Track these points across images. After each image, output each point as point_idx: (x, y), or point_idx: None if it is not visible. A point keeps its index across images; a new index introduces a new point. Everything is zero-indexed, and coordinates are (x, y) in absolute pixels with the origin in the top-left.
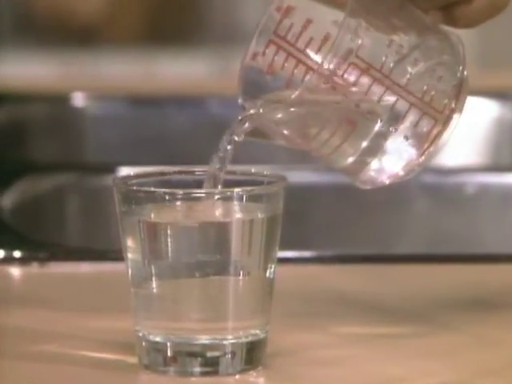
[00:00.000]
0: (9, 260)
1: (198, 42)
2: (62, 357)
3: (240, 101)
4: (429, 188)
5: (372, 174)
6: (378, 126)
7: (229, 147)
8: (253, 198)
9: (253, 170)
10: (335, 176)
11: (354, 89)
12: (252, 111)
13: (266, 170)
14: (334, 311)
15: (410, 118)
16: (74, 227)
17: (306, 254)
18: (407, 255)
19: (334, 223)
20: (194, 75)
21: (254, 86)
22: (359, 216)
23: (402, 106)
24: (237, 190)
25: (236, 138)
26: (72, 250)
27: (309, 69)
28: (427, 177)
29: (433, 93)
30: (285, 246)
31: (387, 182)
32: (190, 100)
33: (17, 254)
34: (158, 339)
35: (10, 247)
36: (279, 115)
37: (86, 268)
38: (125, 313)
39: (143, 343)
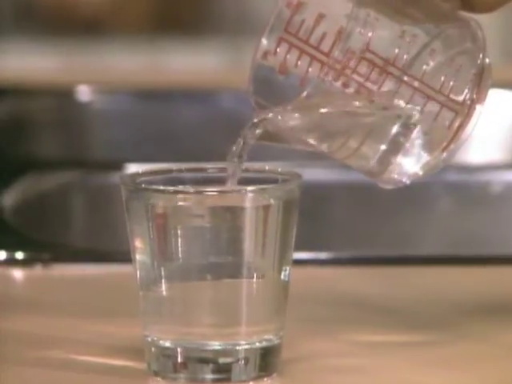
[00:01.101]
0: (10, 262)
1: (209, 31)
2: (68, 363)
3: (252, 102)
4: (452, 186)
5: (393, 173)
6: (395, 123)
7: (242, 152)
8: (267, 196)
9: (267, 168)
10: (352, 173)
11: (367, 84)
12: (264, 116)
13: (279, 167)
14: (350, 316)
15: (429, 112)
16: (79, 227)
17: (322, 255)
18: (429, 257)
19: (351, 223)
20: (205, 67)
21: (266, 86)
22: (378, 215)
23: (419, 99)
24: (250, 188)
25: (247, 146)
26: (77, 251)
27: (324, 65)
28: (450, 175)
29: (451, 83)
30: (300, 248)
31: (409, 180)
32: (200, 93)
33: (19, 255)
34: (167, 344)
35: (11, 248)
36: (293, 122)
37: (91, 270)
38: (133, 317)
39: (152, 349)
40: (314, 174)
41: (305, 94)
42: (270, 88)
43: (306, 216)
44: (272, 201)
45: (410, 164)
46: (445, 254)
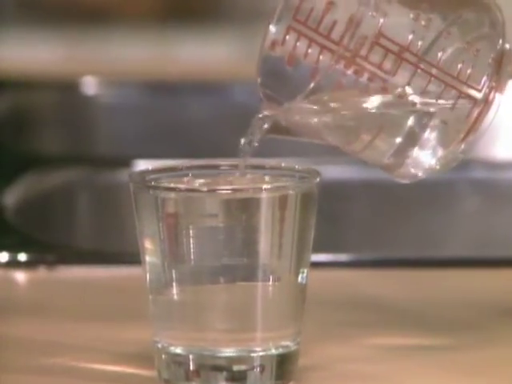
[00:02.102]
0: (13, 264)
1: (220, 20)
2: (73, 371)
3: (260, 94)
4: (478, 184)
5: (409, 167)
6: (411, 114)
7: (249, 148)
8: (284, 195)
9: (283, 164)
10: (373, 170)
11: (379, 73)
12: (273, 110)
13: (296, 163)
14: (371, 321)
15: (446, 100)
16: (84, 227)
17: (342, 257)
18: (454, 259)
19: (372, 223)
20: (217, 58)
21: (274, 77)
22: (400, 215)
23: (435, 87)
24: (266, 186)
25: (255, 142)
26: (83, 252)
27: (335, 55)
28: (477, 171)
29: (469, 70)
30: (318, 249)
31: (426, 175)
32: (212, 86)
33: (22, 257)
34: (179, 351)
35: (14, 250)
36: (304, 116)
37: (98, 272)
38: (142, 322)
39: (163, 356)
40: (333, 171)
41: (312, 85)
42: (279, 79)
43: (324, 216)
44: (289, 199)
45: (427, 157)
46: (471, 256)
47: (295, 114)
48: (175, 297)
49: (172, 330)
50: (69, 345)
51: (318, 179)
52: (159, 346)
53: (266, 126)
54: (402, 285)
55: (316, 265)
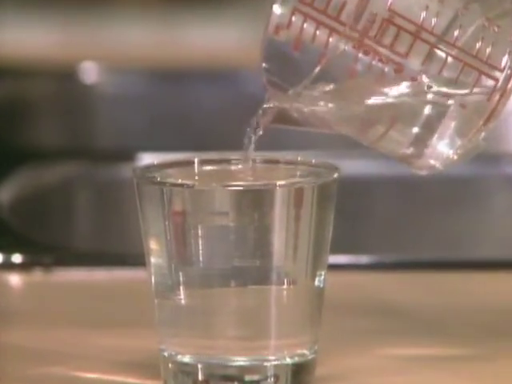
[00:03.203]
0: (7, 266)
1: (231, 1)
2: (73, 381)
3: (264, 81)
4: (510, 180)
5: (428, 157)
6: (427, 98)
7: (253, 138)
8: (299, 192)
9: (299, 159)
10: (396, 165)
11: (392, 54)
12: (279, 99)
13: (312, 157)
14: (393, 328)
15: (465, 82)
16: (84, 227)
17: (362, 259)
18: (484, 261)
19: (395, 222)
20: (227, 43)
21: (280, 63)
22: (426, 214)
23: (452, 67)
24: (280, 182)
25: (260, 131)
26: (82, 253)
27: (344, 37)
28: (509, 166)
29: (489, 48)
30: (336, 250)
31: (447, 165)
32: (221, 73)
33: (16, 258)
34: (186, 360)
35: (8, 250)
36: (312, 105)
37: (99, 275)
38: (147, 329)
39: (169, 365)
40: (353, 165)
41: (318, 69)
42: (285, 66)
43: (343, 214)
44: (305, 196)
45: (446, 146)
46: (503, 258)
47: (304, 103)
48: (182, 301)
49: (179, 337)
50: (67, 353)
51: (336, 174)
52: (165, 354)
53: (271, 115)
54: (427, 289)
55: (334, 267)
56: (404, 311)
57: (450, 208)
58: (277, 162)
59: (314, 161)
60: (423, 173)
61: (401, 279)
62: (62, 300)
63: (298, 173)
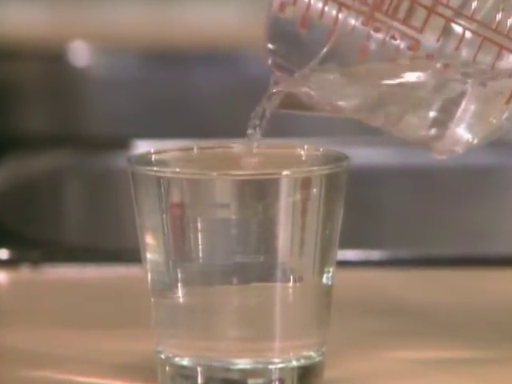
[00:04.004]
0: None
1: None
2: None
3: (269, 62)
4: None
5: (448, 139)
6: (445, 77)
7: (258, 127)
8: (306, 182)
9: (306, 147)
10: (412, 153)
11: (405, 28)
12: (285, 83)
13: (321, 144)
14: (406, 329)
15: (485, 57)
16: (75, 220)
17: (374, 255)
18: (505, 257)
19: (410, 215)
20: (228, 21)
21: (286, 44)
22: (444, 206)
23: (471, 43)
24: (286, 171)
25: (267, 119)
26: (73, 249)
27: (355, 12)
28: None
29: (510, 20)
30: (346, 245)
31: (468, 147)
32: (221, 55)
33: (2, 254)
34: (185, 363)
35: None
36: (323, 88)
37: (91, 273)
38: (143, 330)
39: (167, 368)
40: (364, 153)
41: (327, 48)
42: (291, 46)
43: (353, 206)
44: (312, 187)
45: (467, 128)
46: None
47: (313, 87)
48: (181, 300)
49: (177, 338)
50: (57, 355)
51: (346, 163)
52: (162, 356)
53: (277, 100)
54: (443, 287)
55: (344, 263)
56: (418, 311)
57: (468, 200)
58: (282, 149)
59: (321, 148)
60: (443, 157)
61: (415, 277)
62: (52, 299)
63: (305, 161)
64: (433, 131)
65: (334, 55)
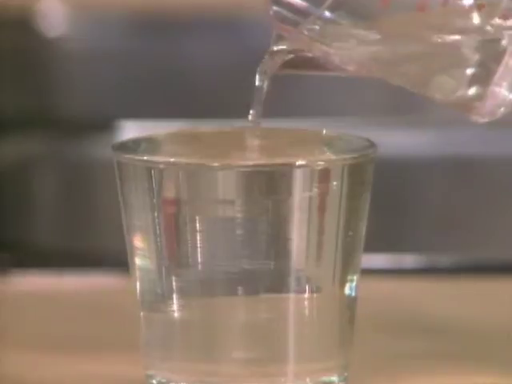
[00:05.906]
0: None
1: None
2: None
3: (270, 14)
4: None
5: (489, 100)
6: (482, 29)
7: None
8: (324, 174)
9: (324, 132)
10: (450, 141)
11: None
12: (289, 43)
13: (341, 127)
14: (441, 351)
15: None
16: (49, 219)
17: (405, 261)
18: None
19: (450, 215)
20: None
21: (289, 4)
22: (490, 203)
23: None
24: (300, 162)
25: (268, 80)
26: (47, 253)
27: None
28: None
29: None
30: (372, 250)
31: (508, 109)
32: (219, 21)
33: None
34: None
35: None
36: (338, 45)
37: (68, 281)
38: (130, 350)
39: None
40: (394, 139)
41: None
42: (295, 7)
43: (380, 204)
44: (332, 180)
45: (508, 87)
46: None
47: (327, 42)
48: (176, 314)
49: (172, 360)
50: (28, 381)
51: (372, 151)
52: (154, 382)
53: (281, 59)
54: (494, 301)
55: (369, 272)
56: (461, 330)
57: None
58: (295, 134)
59: (343, 133)
60: (484, 119)
61: (457, 288)
62: (22, 312)
63: (323, 149)
64: (471, 90)
65: (347, 2)
